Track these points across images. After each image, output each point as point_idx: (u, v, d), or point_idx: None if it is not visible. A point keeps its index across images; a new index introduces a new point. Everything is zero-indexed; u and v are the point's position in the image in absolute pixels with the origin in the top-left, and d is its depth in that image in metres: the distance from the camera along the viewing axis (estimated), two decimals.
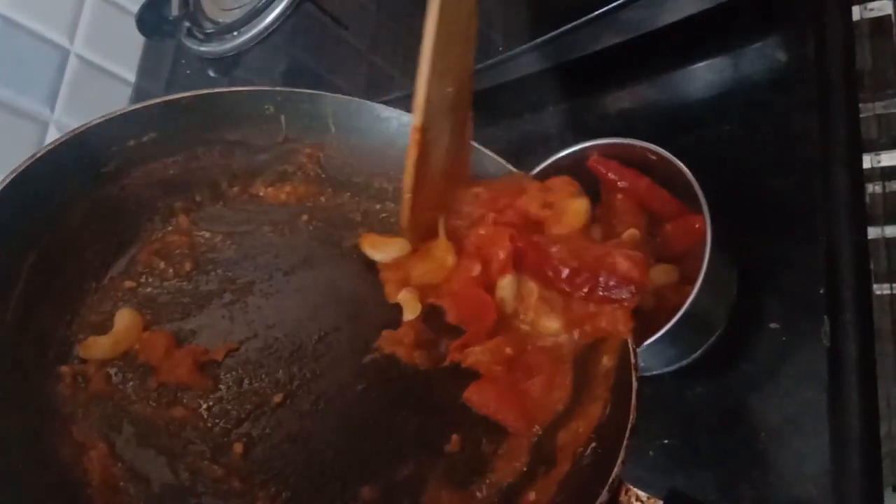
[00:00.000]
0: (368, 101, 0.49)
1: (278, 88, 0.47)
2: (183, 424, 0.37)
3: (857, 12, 0.85)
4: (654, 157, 0.53)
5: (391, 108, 0.50)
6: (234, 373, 0.40)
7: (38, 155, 0.37)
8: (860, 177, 0.53)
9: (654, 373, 0.58)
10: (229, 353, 0.40)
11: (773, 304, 0.56)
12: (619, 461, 0.36)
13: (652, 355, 0.55)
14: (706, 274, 0.48)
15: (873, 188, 1.02)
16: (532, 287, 0.45)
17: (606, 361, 0.43)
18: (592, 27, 0.64)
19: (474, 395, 0.43)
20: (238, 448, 0.36)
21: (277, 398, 0.39)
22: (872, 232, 0.71)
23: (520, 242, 0.45)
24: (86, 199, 0.40)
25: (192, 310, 0.41)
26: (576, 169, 0.57)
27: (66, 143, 0.38)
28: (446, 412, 0.42)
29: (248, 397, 0.39)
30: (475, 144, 0.50)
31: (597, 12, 0.61)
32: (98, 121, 0.40)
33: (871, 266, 0.52)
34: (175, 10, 0.96)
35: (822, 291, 0.53)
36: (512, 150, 0.75)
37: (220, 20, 0.92)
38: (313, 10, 0.85)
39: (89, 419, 0.35)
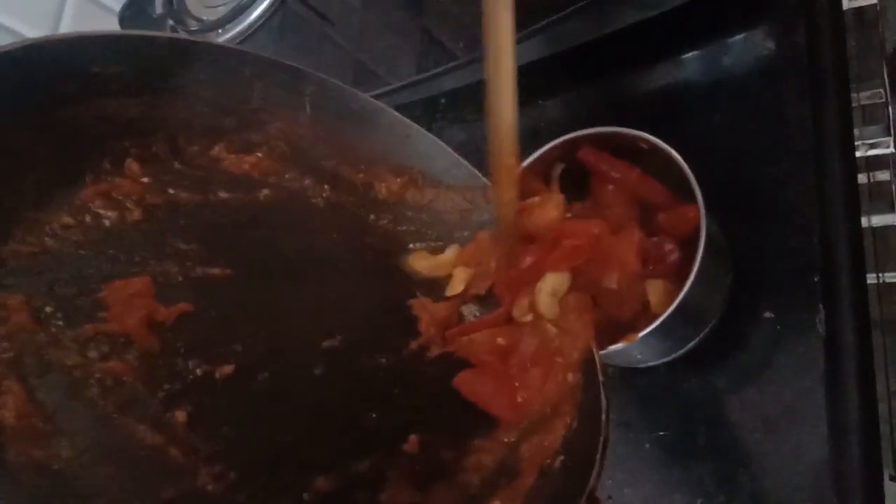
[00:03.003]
0: (350, 88, 0.47)
1: (260, 54, 0.45)
2: (118, 381, 0.33)
3: (843, 2, 0.85)
4: (645, 146, 0.52)
5: (373, 100, 0.48)
6: (183, 337, 0.37)
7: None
8: (853, 164, 0.53)
9: (649, 364, 0.58)
10: (182, 316, 0.37)
11: (767, 293, 0.55)
12: (595, 473, 0.35)
13: (646, 348, 0.54)
14: (700, 264, 0.48)
15: (860, 179, 1.03)
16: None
17: (570, 378, 0.42)
18: (581, 18, 0.63)
19: (465, 382, 0.42)
20: (181, 417, 0.34)
21: (227, 369, 0.36)
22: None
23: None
24: (35, 118, 0.36)
25: (138, 262, 0.38)
26: (566, 159, 0.57)
27: (29, 48, 0.34)
28: (406, 411, 0.41)
29: (196, 364, 0.36)
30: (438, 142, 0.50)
31: (583, 3, 0.61)
32: (69, 35, 0.36)
33: None
34: (159, 7, 0.94)
35: (816, 280, 0.52)
36: None
37: (205, 17, 0.91)
38: (299, 6, 0.84)
39: (4, 356, 0.31)
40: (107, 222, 0.38)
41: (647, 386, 0.59)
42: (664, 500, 0.55)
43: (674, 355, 0.56)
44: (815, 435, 0.50)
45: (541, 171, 0.56)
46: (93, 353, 0.33)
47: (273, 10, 0.86)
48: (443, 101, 0.78)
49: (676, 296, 0.48)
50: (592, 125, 0.55)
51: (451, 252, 0.48)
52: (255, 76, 0.44)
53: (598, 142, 0.55)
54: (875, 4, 0.90)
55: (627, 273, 0.47)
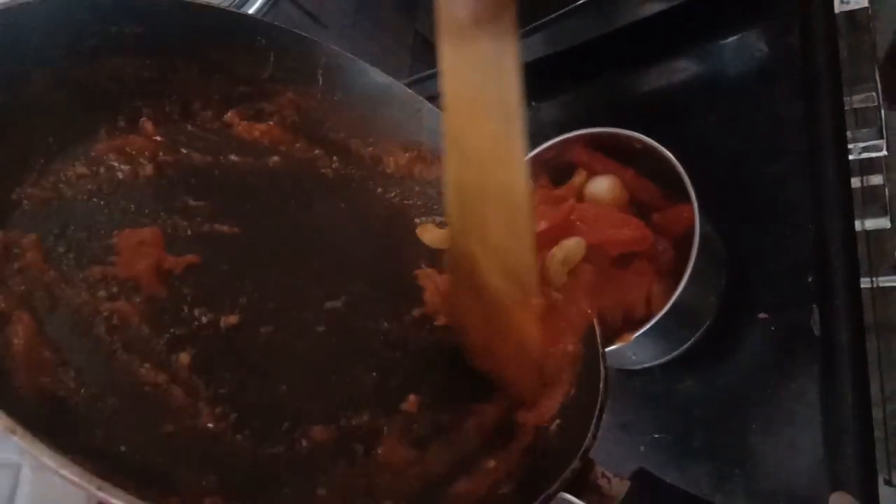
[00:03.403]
0: (362, 61, 0.48)
1: (276, 24, 0.45)
2: (124, 321, 0.35)
3: (834, 6, 0.86)
4: (639, 146, 0.52)
5: (384, 74, 0.49)
6: (189, 287, 0.38)
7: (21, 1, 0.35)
8: (847, 164, 0.53)
9: (645, 366, 0.58)
10: (189, 267, 0.38)
11: (761, 293, 0.55)
12: (591, 434, 0.36)
13: (642, 348, 0.54)
14: (694, 264, 0.48)
15: (853, 182, 1.03)
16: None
17: (571, 348, 0.42)
18: (576, 18, 0.63)
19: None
20: (185, 358, 0.35)
21: (232, 319, 0.37)
22: None
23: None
24: (53, 70, 0.38)
25: (148, 213, 0.39)
26: (560, 160, 0.57)
27: (48, 1, 0.36)
28: (406, 374, 0.41)
29: (201, 313, 0.37)
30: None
31: (576, 4, 0.61)
32: None
33: None
34: None
35: (810, 280, 0.52)
36: None
37: None
38: (291, 8, 0.84)
39: (15, 289, 0.33)
40: (120, 175, 0.39)
41: (642, 388, 0.59)
42: None
43: (669, 356, 0.56)
44: (809, 435, 0.50)
45: (534, 171, 0.56)
46: (101, 294, 0.35)
47: (265, 11, 0.85)
48: (435, 102, 0.78)
49: (671, 296, 0.48)
50: (587, 126, 0.55)
51: None
52: (269, 46, 0.45)
53: (593, 142, 0.55)
54: (867, 8, 0.90)
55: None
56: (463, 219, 0.39)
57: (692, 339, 0.55)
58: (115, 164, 0.40)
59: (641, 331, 0.48)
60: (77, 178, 0.38)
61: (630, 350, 0.52)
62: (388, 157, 0.50)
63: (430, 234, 0.47)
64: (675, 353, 0.56)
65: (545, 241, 0.44)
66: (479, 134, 0.36)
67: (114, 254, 0.36)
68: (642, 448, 0.57)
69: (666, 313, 0.48)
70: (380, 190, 0.49)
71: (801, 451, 0.51)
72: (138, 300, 0.36)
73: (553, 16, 0.61)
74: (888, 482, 0.79)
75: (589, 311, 0.42)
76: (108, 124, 0.40)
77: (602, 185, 0.54)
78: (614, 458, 0.58)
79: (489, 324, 0.41)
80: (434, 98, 0.78)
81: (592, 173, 0.55)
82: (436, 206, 0.50)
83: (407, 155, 0.50)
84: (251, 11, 0.84)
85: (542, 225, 0.47)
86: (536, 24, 0.62)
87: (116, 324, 0.34)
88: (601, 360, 0.40)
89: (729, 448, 0.53)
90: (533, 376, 0.41)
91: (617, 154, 0.54)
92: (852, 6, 0.90)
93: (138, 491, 0.26)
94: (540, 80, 0.72)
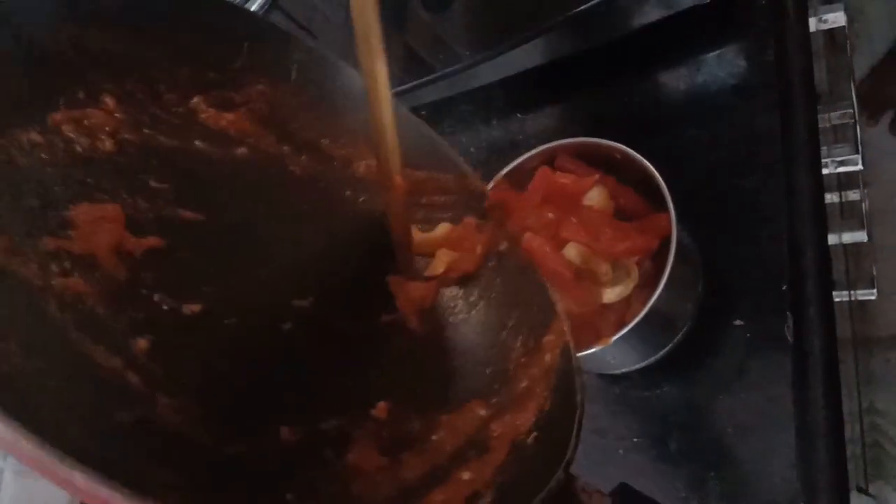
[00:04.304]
0: (341, 61, 0.47)
1: (254, 13, 0.44)
2: (78, 299, 0.32)
3: (812, 24, 0.88)
4: (619, 157, 0.53)
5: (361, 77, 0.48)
6: (150, 271, 0.35)
7: None
8: (820, 175, 0.54)
9: (623, 371, 0.59)
10: (150, 251, 0.36)
11: (737, 301, 0.57)
12: (571, 447, 0.35)
13: (619, 353, 0.55)
14: (671, 271, 0.49)
15: (831, 197, 1.05)
16: None
17: (549, 359, 0.42)
18: (557, 34, 0.65)
19: None
20: (143, 344, 0.32)
21: (194, 308, 0.36)
22: (830, 239, 0.73)
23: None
24: (14, 32, 0.35)
25: (108, 190, 0.37)
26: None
27: None
28: (376, 380, 0.40)
29: (162, 299, 0.35)
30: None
31: (560, 18, 0.62)
32: None
33: None
34: None
35: (784, 288, 0.54)
36: (481, 157, 0.76)
37: None
38: (282, 18, 0.85)
39: None
40: (78, 148, 0.37)
41: (620, 393, 0.60)
42: None
43: (647, 361, 0.57)
44: (783, 439, 0.51)
45: (519, 179, 0.57)
46: (54, 268, 0.32)
47: None
48: (423, 112, 0.79)
49: (648, 302, 0.49)
50: (570, 137, 0.56)
51: (440, 230, 0.48)
52: (244, 35, 0.43)
53: (576, 152, 0.57)
54: (844, 27, 0.92)
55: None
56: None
57: (670, 345, 0.57)
58: (73, 135, 0.37)
59: (620, 334, 0.49)
60: (31, 146, 0.35)
61: (609, 354, 0.53)
62: (359, 160, 0.48)
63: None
64: (653, 359, 0.57)
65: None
66: None
67: (70, 228, 0.34)
68: (621, 451, 0.58)
69: (643, 318, 0.49)
70: (348, 192, 0.48)
71: (775, 456, 0.52)
72: (94, 278, 0.33)
73: (533, 33, 0.63)
74: (862, 490, 0.81)
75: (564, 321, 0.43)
76: (68, 95, 0.38)
77: (595, 194, 0.55)
78: (594, 462, 0.59)
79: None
80: (421, 108, 0.79)
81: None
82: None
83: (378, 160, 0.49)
84: None
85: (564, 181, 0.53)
86: (518, 40, 0.64)
87: (68, 301, 0.32)
88: (576, 373, 0.40)
89: (705, 452, 0.54)
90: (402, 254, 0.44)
91: (598, 164, 0.56)
92: (830, 25, 0.92)
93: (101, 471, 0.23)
94: (525, 91, 0.74)
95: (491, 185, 0.56)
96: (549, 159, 0.57)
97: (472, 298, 0.47)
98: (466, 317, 0.46)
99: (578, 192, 0.54)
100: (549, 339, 0.43)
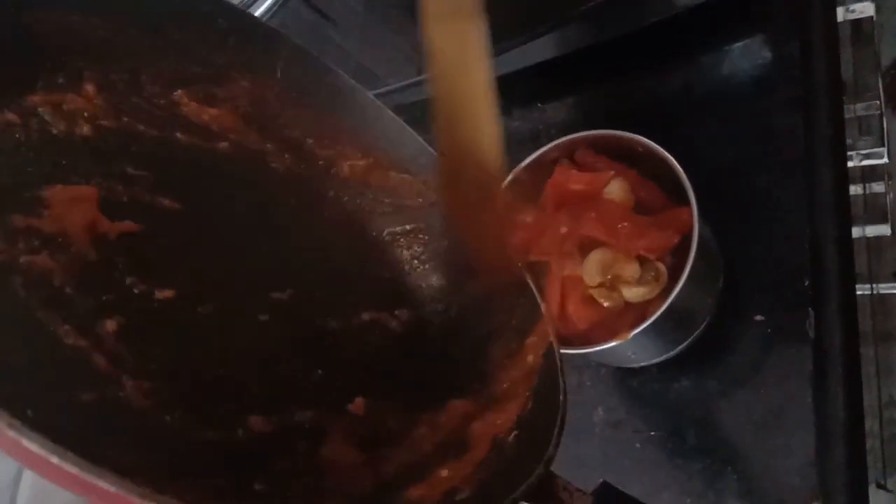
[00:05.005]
0: (328, 63, 0.46)
1: (240, 8, 0.44)
2: (45, 277, 0.31)
3: (839, 14, 0.87)
4: (641, 150, 0.53)
5: (349, 78, 0.47)
6: (123, 255, 0.35)
7: None
8: (844, 171, 0.54)
9: (641, 365, 0.59)
10: (125, 235, 0.36)
11: (758, 296, 0.56)
12: (552, 444, 0.34)
13: (639, 348, 0.55)
14: (692, 266, 0.49)
15: (854, 189, 1.04)
16: None
17: (531, 360, 0.41)
18: (578, 25, 0.64)
19: None
20: (111, 325, 0.32)
21: (167, 293, 0.35)
22: (854, 232, 0.72)
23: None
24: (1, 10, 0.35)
25: (83, 173, 0.36)
26: (564, 160, 0.58)
27: None
28: (354, 375, 0.40)
29: (134, 283, 0.34)
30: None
31: (582, 9, 0.62)
32: None
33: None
34: None
35: (806, 284, 0.53)
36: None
37: None
38: (300, 5, 0.85)
39: None
40: (54, 131, 0.37)
41: (638, 386, 0.60)
42: (653, 499, 0.56)
43: (666, 356, 0.57)
44: (802, 436, 0.51)
45: (538, 171, 0.57)
46: (20, 245, 0.32)
47: (275, 9, 0.86)
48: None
49: (668, 296, 0.49)
50: (590, 128, 0.56)
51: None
52: (230, 29, 0.43)
53: (596, 144, 0.56)
54: (871, 17, 0.91)
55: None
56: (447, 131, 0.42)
57: (689, 340, 0.56)
58: (50, 118, 0.37)
59: (639, 328, 0.49)
60: (5, 125, 0.35)
61: (628, 349, 0.53)
62: (343, 160, 0.47)
63: None
64: (672, 353, 0.57)
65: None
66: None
67: (42, 207, 0.34)
68: (637, 445, 0.58)
69: (663, 313, 0.49)
70: (332, 193, 0.48)
71: (792, 452, 0.51)
72: (63, 258, 0.33)
73: (554, 24, 0.62)
74: (881, 486, 0.80)
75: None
76: (47, 79, 0.37)
77: (615, 187, 0.54)
78: (610, 455, 0.59)
79: (472, 214, 0.44)
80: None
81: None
82: (389, 214, 0.49)
83: (363, 162, 0.48)
84: (261, 11, 0.85)
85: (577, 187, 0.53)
86: (539, 31, 0.63)
87: (35, 279, 0.31)
88: (560, 374, 0.39)
89: (722, 447, 0.54)
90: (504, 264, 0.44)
91: (618, 157, 0.55)
92: (857, 15, 0.91)
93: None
94: (545, 82, 0.74)
95: (510, 177, 0.56)
96: (569, 151, 0.57)
97: (455, 297, 0.47)
98: (448, 317, 0.46)
99: (593, 193, 0.54)
100: (532, 340, 0.42)
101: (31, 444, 0.22)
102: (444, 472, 0.36)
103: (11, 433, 0.22)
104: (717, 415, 0.56)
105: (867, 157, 0.94)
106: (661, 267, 0.51)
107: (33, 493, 0.64)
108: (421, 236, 0.48)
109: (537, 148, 0.57)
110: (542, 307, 0.43)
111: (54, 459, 0.22)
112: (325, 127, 0.47)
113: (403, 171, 0.48)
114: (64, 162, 0.36)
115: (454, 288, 0.47)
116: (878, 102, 0.96)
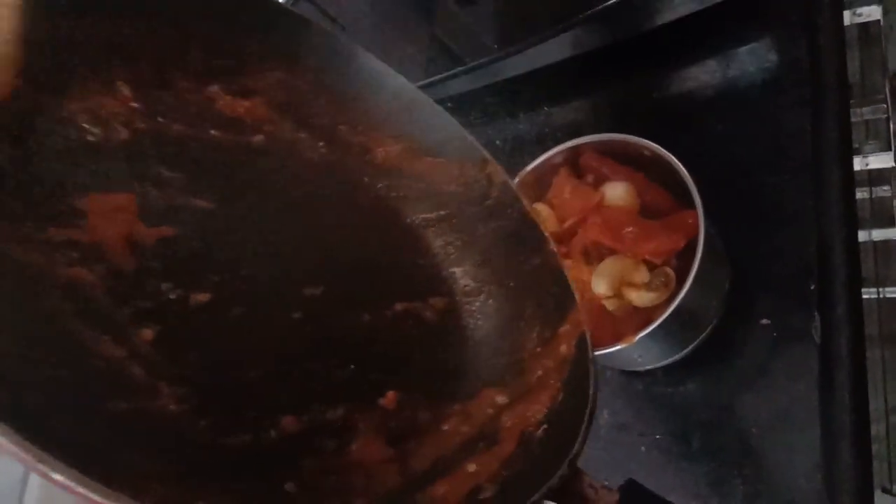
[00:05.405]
0: (359, 47, 0.45)
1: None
2: (82, 289, 0.31)
3: (846, 17, 0.87)
4: (647, 154, 0.53)
5: (379, 61, 0.46)
6: (159, 260, 0.35)
7: None
8: (851, 174, 0.54)
9: (647, 368, 0.59)
10: (161, 240, 0.36)
11: (764, 300, 0.56)
12: (579, 441, 0.34)
13: (644, 351, 0.55)
14: (698, 269, 0.49)
15: (861, 193, 1.04)
16: None
17: (564, 350, 0.41)
18: (586, 27, 0.64)
19: None
20: (147, 335, 0.32)
21: (202, 297, 0.35)
22: (860, 236, 0.72)
23: None
24: (30, 19, 0.34)
25: (120, 180, 0.36)
26: (569, 165, 0.58)
27: None
28: (386, 369, 0.40)
29: (170, 288, 0.35)
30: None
31: (590, 12, 0.62)
32: None
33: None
34: None
35: (812, 288, 0.53)
36: (506, 149, 0.76)
37: None
38: (309, 8, 0.86)
39: None
40: (90, 138, 0.36)
41: (644, 389, 0.60)
42: None
43: (671, 359, 0.57)
44: (807, 440, 0.51)
45: (544, 175, 0.57)
46: (59, 257, 0.32)
47: None
48: (449, 104, 0.79)
49: (674, 299, 0.49)
50: (597, 132, 0.56)
51: None
52: (259, 20, 0.42)
53: (602, 148, 0.56)
54: (878, 21, 0.91)
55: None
56: None
57: (695, 342, 0.56)
58: (87, 125, 0.36)
59: (645, 331, 0.49)
60: (45, 135, 0.34)
61: (634, 352, 0.53)
62: (377, 146, 0.47)
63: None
64: (678, 356, 0.57)
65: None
66: None
67: (81, 217, 0.33)
68: (643, 448, 0.58)
69: (669, 316, 0.49)
70: (367, 179, 0.47)
71: (798, 456, 0.51)
72: (101, 269, 0.33)
73: (562, 26, 0.62)
74: (887, 490, 0.80)
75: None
76: (83, 85, 0.37)
77: (619, 191, 0.54)
78: (616, 458, 0.59)
79: None
80: (447, 100, 0.79)
81: (602, 179, 0.56)
82: (425, 201, 0.48)
83: (397, 146, 0.47)
84: None
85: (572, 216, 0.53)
86: (547, 33, 0.63)
87: (72, 290, 0.31)
88: (591, 365, 0.39)
89: (728, 450, 0.54)
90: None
91: (625, 160, 0.55)
92: (865, 18, 0.91)
93: (79, 468, 0.22)
94: (552, 85, 0.74)
95: (516, 179, 0.56)
96: (575, 155, 0.57)
97: (488, 287, 0.46)
98: (482, 305, 0.46)
99: (590, 206, 0.55)
100: (565, 329, 0.42)
101: (59, 476, 0.22)
102: (472, 467, 0.36)
103: (41, 467, 0.22)
104: (722, 418, 0.55)
105: (874, 160, 0.94)
106: (670, 272, 0.51)
107: (41, 493, 0.64)
108: (454, 221, 0.47)
109: (543, 151, 0.58)
110: (577, 296, 0.42)
111: (81, 490, 0.22)
112: (358, 112, 0.46)
113: (438, 156, 0.47)
114: (100, 170, 0.36)
115: (488, 274, 0.46)
116: (885, 106, 0.96)
